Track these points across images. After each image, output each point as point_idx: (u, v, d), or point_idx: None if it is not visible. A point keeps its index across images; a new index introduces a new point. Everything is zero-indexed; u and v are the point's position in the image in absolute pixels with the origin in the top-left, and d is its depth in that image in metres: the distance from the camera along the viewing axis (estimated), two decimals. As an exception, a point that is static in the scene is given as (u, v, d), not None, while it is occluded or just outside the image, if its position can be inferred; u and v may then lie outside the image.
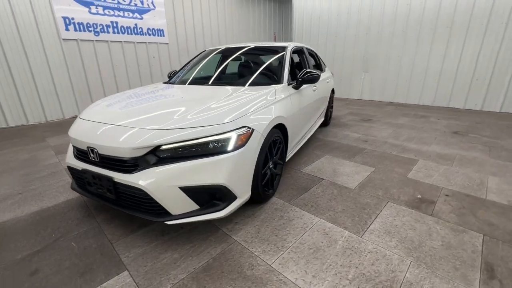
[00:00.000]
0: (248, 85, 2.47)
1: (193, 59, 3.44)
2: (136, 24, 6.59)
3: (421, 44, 6.54)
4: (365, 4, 7.28)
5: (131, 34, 6.55)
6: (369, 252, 1.63)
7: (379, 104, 7.07)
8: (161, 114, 1.78)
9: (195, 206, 1.63)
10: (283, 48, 2.99)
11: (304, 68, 3.41)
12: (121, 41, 6.39)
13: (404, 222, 1.94)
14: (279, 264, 1.55)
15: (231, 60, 3.18)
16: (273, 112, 2.10)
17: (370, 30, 7.34)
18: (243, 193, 1.79)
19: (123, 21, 6.34)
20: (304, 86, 2.92)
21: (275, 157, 2.25)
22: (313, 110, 3.35)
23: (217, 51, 3.30)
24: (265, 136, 1.92)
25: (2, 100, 4.95)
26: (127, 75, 6.69)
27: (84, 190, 1.94)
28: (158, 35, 7.08)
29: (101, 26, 6.02)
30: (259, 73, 2.73)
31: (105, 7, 5.99)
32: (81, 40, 5.80)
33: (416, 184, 2.53)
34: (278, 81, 2.57)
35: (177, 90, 2.52)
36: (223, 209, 1.67)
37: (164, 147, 1.57)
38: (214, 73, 3.01)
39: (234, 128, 1.69)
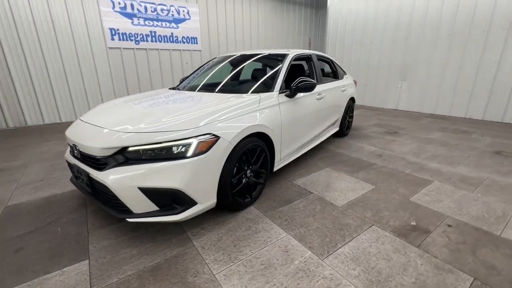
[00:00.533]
0: (236, 93, 2.48)
1: (203, 65, 3.60)
2: (172, 33, 7.15)
3: (470, 49, 5.73)
4: (406, 6, 6.69)
5: (167, 42, 7.13)
6: (323, 278, 1.50)
7: (416, 115, 6.38)
8: (137, 118, 1.92)
9: (154, 207, 1.71)
10: (283, 56, 2.93)
11: (312, 76, 3.30)
12: (158, 49, 7.00)
13: (381, 250, 1.72)
14: (224, 275, 1.53)
15: (233, 68, 3.24)
16: (250, 120, 2.08)
17: (410, 34, 6.71)
18: (204, 200, 1.81)
19: (160, 31, 6.94)
20: (302, 94, 2.82)
21: (254, 166, 2.22)
22: (317, 120, 3.20)
23: (225, 58, 3.40)
24: (234, 144, 1.92)
25: (57, 99, 5.86)
26: (162, 80, 7.27)
27: (76, 182, 2.19)
28: (191, 43, 7.56)
29: (141, 36, 6.69)
30: (252, 80, 2.73)
31: (145, 19, 6.65)
32: (123, 48, 6.53)
33: (417, 209, 2.22)
34: (269, 89, 2.54)
35: (169, 95, 2.66)
36: (180, 213, 1.72)
37: (130, 148, 1.69)
38: (212, 80, 3.10)
39: (196, 134, 1.72)
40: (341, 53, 8.33)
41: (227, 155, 1.88)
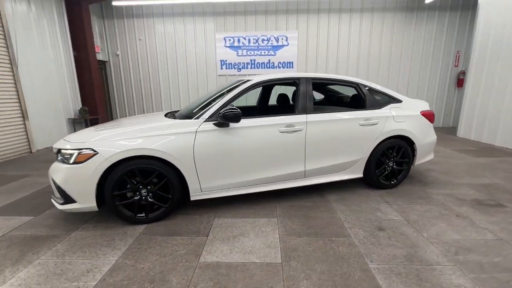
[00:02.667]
0: (180, 118, 2.60)
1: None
2: (269, 60, 7.86)
3: None
4: None
5: (264, 68, 7.92)
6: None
7: None
8: (87, 132, 2.61)
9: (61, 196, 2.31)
10: (241, 83, 2.70)
11: (296, 105, 2.74)
12: (255, 74, 7.96)
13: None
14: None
15: (213, 94, 3.19)
16: (144, 143, 2.21)
17: None
18: (83, 201, 2.19)
19: (259, 58, 7.86)
20: (246, 124, 2.47)
21: (149, 187, 2.32)
22: (284, 156, 2.61)
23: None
24: (113, 161, 2.15)
25: (181, 112, 8.22)
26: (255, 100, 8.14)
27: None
28: (287, 67, 7.92)
29: (243, 64, 7.92)
30: (197, 107, 2.73)
31: (248, 49, 7.80)
32: (228, 75, 8.02)
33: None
34: (197, 116, 2.47)
35: (143, 117, 3.10)
36: (62, 204, 2.22)
37: (61, 151, 2.40)
38: (190, 106, 3.11)
39: (79, 147, 2.16)
40: (493, 69, 5.50)
41: (104, 169, 2.16)
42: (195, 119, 2.45)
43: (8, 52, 4.81)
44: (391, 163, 3.10)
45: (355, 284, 1.61)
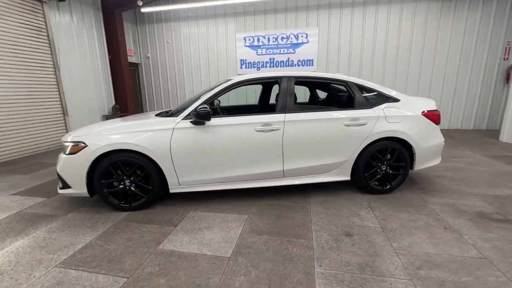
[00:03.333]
0: (166, 116, 2.81)
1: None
2: (288, 58, 7.78)
3: None
4: None
5: (283, 66, 7.86)
6: (30, 275, 1.73)
7: None
8: (88, 127, 2.97)
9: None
10: (223, 82, 2.77)
11: (277, 103, 2.75)
12: (274, 73, 7.94)
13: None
14: (33, 236, 2.21)
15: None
16: (125, 138, 2.45)
17: None
18: (76, 188, 2.51)
19: (278, 57, 7.82)
20: (222, 122, 2.55)
21: (131, 178, 2.56)
22: (262, 155, 2.63)
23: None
24: (99, 154, 2.43)
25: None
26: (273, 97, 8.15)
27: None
28: (307, 65, 7.74)
29: (262, 63, 7.97)
30: (182, 106, 2.87)
31: (267, 48, 7.83)
32: (247, 73, 8.13)
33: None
34: (177, 114, 2.63)
35: (138, 116, 3.40)
36: (60, 188, 2.58)
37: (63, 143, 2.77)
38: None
39: (72, 140, 2.49)
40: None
41: (92, 160, 2.45)
42: (174, 117, 2.62)
43: (52, 58, 5.62)
44: (384, 166, 2.89)
45: (289, 285, 1.60)
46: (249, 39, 7.86)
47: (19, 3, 4.94)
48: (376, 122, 2.76)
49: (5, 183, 3.56)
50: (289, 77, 2.80)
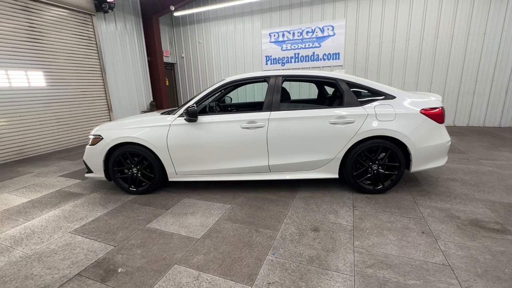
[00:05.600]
0: (162, 114, 3.22)
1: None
2: (313, 52, 7.64)
3: None
4: None
5: (308, 61, 7.76)
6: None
7: None
8: (110, 122, 3.54)
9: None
10: (217, 82, 3.01)
11: (266, 102, 2.90)
12: (298, 68, 7.89)
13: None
14: (62, 209, 2.81)
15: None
16: (131, 132, 2.90)
17: None
18: (97, 172, 3.07)
19: (303, 52, 7.74)
20: (212, 119, 2.81)
21: (138, 166, 3.01)
22: (248, 151, 2.82)
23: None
24: (112, 145, 2.92)
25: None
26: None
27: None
28: (333, 59, 7.50)
29: (286, 59, 7.98)
30: (182, 105, 3.20)
31: (292, 43, 7.80)
32: (273, 69, 8.23)
33: None
34: (175, 112, 2.98)
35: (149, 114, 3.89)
36: (86, 173, 3.17)
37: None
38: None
39: (93, 133, 3.03)
40: None
41: (107, 150, 2.95)
42: (172, 115, 2.98)
43: (100, 62, 6.59)
44: (375, 166, 2.81)
45: (237, 267, 1.80)
46: (274, 35, 7.93)
47: (73, 17, 5.92)
48: (365, 120, 2.70)
49: (57, 167, 4.44)
50: (276, 76, 2.91)
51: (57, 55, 5.63)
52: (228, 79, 2.98)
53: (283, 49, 7.94)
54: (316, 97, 4.45)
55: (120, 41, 7.24)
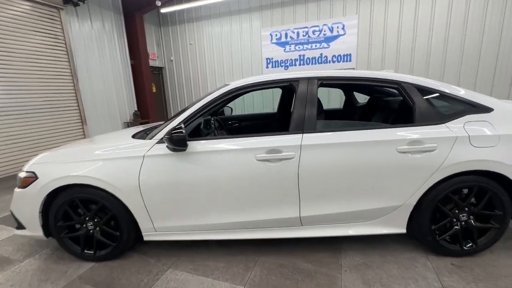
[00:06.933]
0: (134, 136, 2.17)
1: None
2: (321, 54, 6.73)
3: None
4: None
5: (315, 63, 6.84)
6: None
7: None
8: (58, 152, 2.45)
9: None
10: (217, 89, 2.00)
11: (294, 117, 1.89)
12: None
13: None
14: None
15: None
16: (80, 169, 1.83)
17: None
18: (31, 228, 1.97)
19: (309, 53, 6.82)
20: (207, 147, 1.78)
21: (96, 220, 1.93)
22: (262, 193, 1.80)
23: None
24: (50, 188, 1.84)
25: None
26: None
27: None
28: (343, 61, 6.60)
29: (290, 61, 7.05)
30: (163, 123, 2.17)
31: (296, 44, 6.88)
32: (273, 73, 7.27)
33: None
34: (151, 136, 1.93)
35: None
36: (15, 228, 2.06)
37: None
38: None
39: (25, 170, 1.94)
40: None
41: (44, 196, 1.87)
42: (148, 139, 1.93)
43: (70, 66, 5.47)
44: (464, 215, 1.82)
45: None
46: (276, 35, 6.99)
47: (36, 11, 4.81)
48: (453, 147, 1.71)
49: (2, 202, 3.29)
50: (308, 79, 1.90)
51: (13, 56, 4.50)
52: (234, 85, 1.97)
53: (286, 50, 7.01)
54: (342, 106, 3.49)
55: (97, 42, 6.15)
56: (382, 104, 2.53)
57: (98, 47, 6.17)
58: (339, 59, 6.62)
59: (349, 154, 1.73)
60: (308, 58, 6.85)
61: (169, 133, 1.71)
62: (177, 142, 1.68)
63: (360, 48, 6.41)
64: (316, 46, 6.72)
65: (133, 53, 7.08)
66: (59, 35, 5.26)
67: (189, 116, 1.89)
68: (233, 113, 3.78)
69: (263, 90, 4.02)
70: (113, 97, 6.62)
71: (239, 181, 1.79)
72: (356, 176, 1.75)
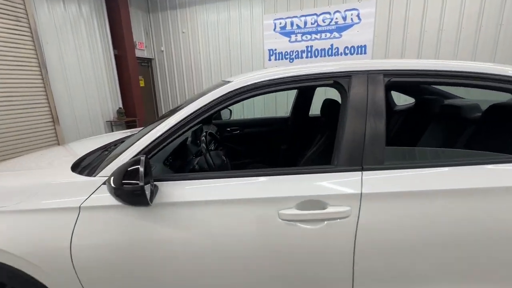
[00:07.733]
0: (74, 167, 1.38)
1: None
2: (331, 45, 5.92)
3: None
4: None
5: (324, 56, 6.03)
6: None
7: None
8: None
9: None
10: (216, 91, 1.20)
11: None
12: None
13: None
14: None
15: None
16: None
17: None
18: None
19: (318, 44, 6.01)
20: (183, 195, 1.01)
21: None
22: (289, 274, 1.03)
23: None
24: None
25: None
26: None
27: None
28: (357, 53, 5.80)
29: (296, 53, 6.23)
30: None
31: (303, 33, 6.05)
32: (276, 66, 6.45)
33: None
34: (94, 171, 1.13)
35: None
36: None
37: None
38: None
39: None
40: None
41: None
42: (90, 176, 1.12)
43: (37, 54, 4.58)
44: None
45: None
46: (280, 23, 6.15)
47: (-12, -15, 3.91)
48: None
49: None
50: (369, 73, 1.11)
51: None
52: (239, 82, 1.16)
53: (292, 40, 6.17)
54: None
55: (72, 28, 5.24)
56: (448, 111, 1.76)
57: (74, 34, 5.27)
58: (352, 51, 5.82)
59: (455, 210, 0.96)
60: (317, 49, 6.03)
61: (118, 177, 0.91)
62: (131, 197, 0.89)
63: (377, 38, 5.61)
64: (326, 36, 5.89)
65: (117, 42, 6.18)
66: (22, 17, 4.35)
67: (162, 134, 1.09)
68: (232, 117, 3.00)
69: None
70: (93, 92, 5.75)
71: (250, 258, 1.00)
72: (471, 250, 0.98)
